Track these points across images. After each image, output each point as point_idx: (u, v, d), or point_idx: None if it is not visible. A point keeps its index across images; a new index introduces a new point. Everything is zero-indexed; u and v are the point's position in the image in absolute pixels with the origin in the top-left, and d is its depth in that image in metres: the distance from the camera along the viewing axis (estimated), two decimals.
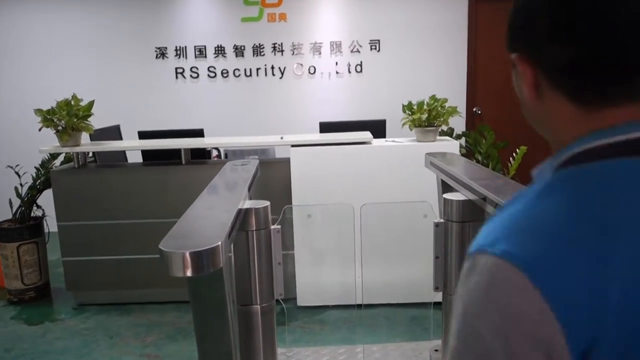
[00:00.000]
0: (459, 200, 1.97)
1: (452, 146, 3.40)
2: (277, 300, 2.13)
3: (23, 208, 3.80)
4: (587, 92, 0.62)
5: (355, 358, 2.79)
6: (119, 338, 3.24)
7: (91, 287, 3.68)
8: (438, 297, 2.45)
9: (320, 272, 3.45)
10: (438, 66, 5.41)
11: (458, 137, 3.95)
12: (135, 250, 3.59)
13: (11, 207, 3.81)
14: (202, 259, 1.29)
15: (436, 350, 2.75)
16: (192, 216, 1.58)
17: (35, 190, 3.79)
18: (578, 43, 0.60)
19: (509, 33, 0.71)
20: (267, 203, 2.00)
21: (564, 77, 0.63)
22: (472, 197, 1.93)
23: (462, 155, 3.84)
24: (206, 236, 1.37)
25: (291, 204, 3.40)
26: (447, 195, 2.01)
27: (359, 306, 3.36)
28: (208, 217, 1.57)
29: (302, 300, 3.53)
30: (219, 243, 1.32)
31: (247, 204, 1.99)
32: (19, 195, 3.76)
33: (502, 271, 0.56)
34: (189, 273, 1.28)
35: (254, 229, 1.98)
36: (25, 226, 3.75)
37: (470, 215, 1.97)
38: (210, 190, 1.98)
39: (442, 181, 2.42)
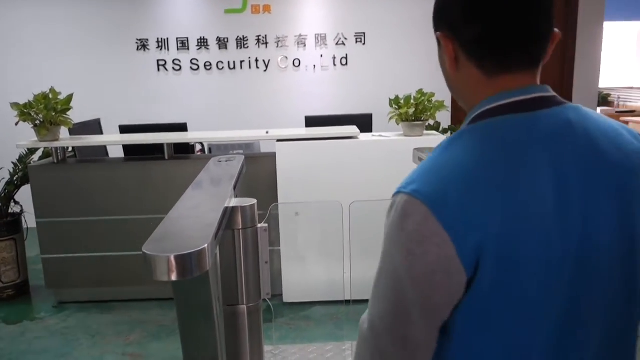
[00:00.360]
0: None
1: (438, 140, 3.35)
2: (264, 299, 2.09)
3: (0, 204, 3.69)
4: (489, 61, 0.80)
5: (342, 355, 2.76)
6: (101, 337, 3.17)
7: (72, 285, 3.60)
8: None
9: (307, 268, 3.41)
10: (424, 59, 5.37)
11: (444, 131, 3.94)
12: (116, 247, 3.52)
13: None
14: (188, 262, 1.24)
15: None
16: (176, 216, 1.52)
17: (12, 186, 3.69)
18: (482, 22, 0.77)
19: (434, 16, 0.86)
20: (254, 201, 1.95)
21: (473, 49, 0.80)
22: None
23: None
24: (191, 238, 1.32)
25: (277, 199, 3.35)
26: None
27: (347, 302, 3.34)
28: (193, 218, 1.52)
29: (288, 297, 3.49)
30: (205, 246, 1.27)
31: (233, 202, 1.93)
32: None
33: (411, 205, 0.74)
34: (174, 277, 1.23)
35: (241, 227, 1.92)
36: (3, 222, 3.64)
37: None
38: (195, 188, 1.92)
39: None
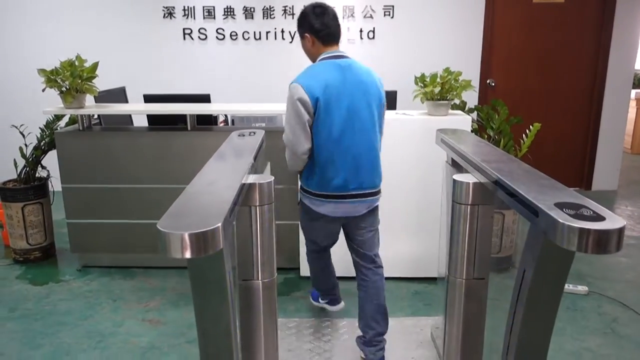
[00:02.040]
0: (469, 183, 1.91)
1: (464, 121, 3.30)
2: (279, 271, 2.12)
3: (28, 168, 3.77)
4: (324, 41, 2.39)
5: (356, 331, 2.79)
6: (122, 302, 3.25)
7: (95, 250, 3.69)
8: (442, 272, 2.42)
9: None
10: (453, 35, 5.24)
11: (470, 111, 3.85)
12: (139, 214, 3.58)
13: (16, 167, 3.79)
14: (201, 240, 1.25)
15: (437, 328, 2.75)
16: (192, 192, 1.53)
17: (39, 151, 3.76)
18: (320, 28, 2.37)
19: (298, 26, 2.47)
20: (271, 178, 1.95)
21: (319, 37, 2.38)
22: (483, 179, 1.87)
23: (474, 130, 3.76)
24: (206, 216, 1.33)
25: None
26: (457, 177, 1.95)
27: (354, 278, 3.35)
28: (209, 194, 1.52)
29: (305, 271, 3.52)
30: (219, 225, 1.28)
31: (251, 178, 1.94)
32: (23, 155, 3.73)
33: (295, 87, 2.27)
34: (187, 255, 1.24)
35: (258, 204, 1.93)
36: (30, 187, 3.73)
37: (480, 199, 1.92)
38: (213, 163, 1.93)
39: (452, 159, 2.35)
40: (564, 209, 1.34)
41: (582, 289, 3.35)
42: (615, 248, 1.25)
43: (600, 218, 1.29)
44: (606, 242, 1.23)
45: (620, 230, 1.25)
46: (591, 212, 1.33)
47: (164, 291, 3.39)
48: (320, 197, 2.37)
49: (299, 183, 2.52)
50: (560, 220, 1.27)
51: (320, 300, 2.99)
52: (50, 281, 3.54)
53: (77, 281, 3.55)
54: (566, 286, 3.35)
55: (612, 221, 1.27)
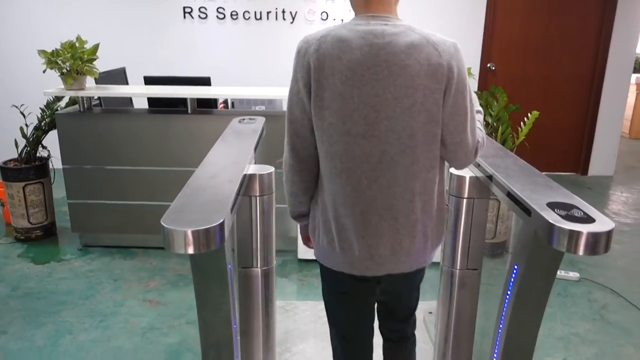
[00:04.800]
0: (464, 177, 1.95)
1: None
2: (277, 253, 2.14)
3: (28, 148, 3.80)
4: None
5: None
6: (123, 282, 3.32)
7: (96, 230, 3.74)
8: (437, 258, 2.47)
9: None
10: (454, 19, 5.22)
11: None
12: (139, 196, 3.62)
13: (17, 147, 3.81)
14: (204, 237, 1.29)
15: (430, 313, 2.82)
16: (194, 187, 1.57)
17: (40, 131, 3.78)
18: None
19: None
20: (272, 169, 1.99)
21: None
22: (479, 174, 1.91)
23: None
24: (208, 212, 1.37)
25: None
26: (453, 171, 1.99)
27: None
28: (211, 188, 1.56)
29: (302, 254, 3.58)
30: (222, 220, 1.32)
31: (252, 168, 1.97)
32: (24, 135, 3.75)
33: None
34: (190, 251, 1.29)
35: (258, 194, 1.97)
36: (31, 166, 3.76)
37: (475, 192, 1.96)
38: (214, 155, 1.96)
39: None
40: (556, 210, 1.38)
41: (573, 275, 3.43)
42: (604, 250, 1.29)
43: (591, 220, 1.33)
44: (595, 244, 1.28)
45: (609, 233, 1.29)
46: (582, 214, 1.37)
47: (164, 271, 3.45)
48: None
49: None
50: (551, 222, 1.31)
51: None
52: (52, 260, 3.60)
53: (78, 260, 3.61)
54: (557, 272, 3.42)
55: (601, 223, 1.31)
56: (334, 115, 1.41)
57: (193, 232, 1.28)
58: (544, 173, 1.71)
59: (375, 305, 1.75)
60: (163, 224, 1.29)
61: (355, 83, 1.38)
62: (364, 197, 1.45)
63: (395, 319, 1.78)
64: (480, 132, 1.54)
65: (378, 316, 1.79)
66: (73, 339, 2.71)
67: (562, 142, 5.64)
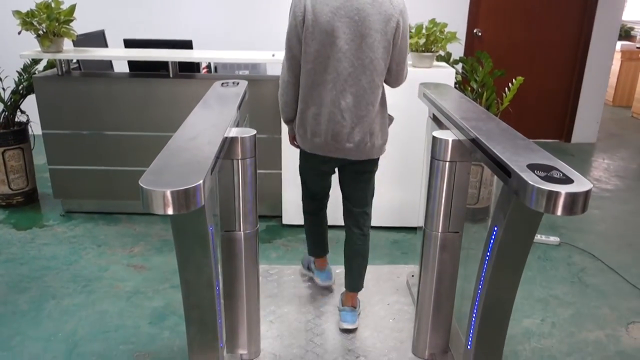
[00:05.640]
0: (447, 140, 1.95)
1: (447, 74, 3.30)
2: (261, 219, 2.17)
3: (7, 113, 3.71)
4: None
5: (336, 278, 2.89)
6: (107, 247, 3.31)
7: (78, 196, 3.70)
8: (419, 221, 2.49)
9: None
10: None
11: (455, 62, 3.84)
12: (121, 161, 3.58)
13: None
14: (183, 197, 1.28)
15: (413, 276, 2.86)
16: (174, 148, 1.55)
17: (18, 96, 3.69)
18: None
19: None
20: (253, 132, 1.97)
21: None
22: (461, 137, 1.91)
23: (458, 82, 3.76)
24: (187, 173, 1.35)
25: (280, 122, 3.35)
26: (436, 134, 1.98)
27: (340, 227, 3.44)
28: (191, 150, 1.54)
29: (287, 219, 3.59)
30: (200, 182, 1.31)
31: (234, 132, 1.95)
32: (1, 99, 3.67)
33: None
34: (170, 211, 1.28)
35: (240, 157, 1.96)
36: (10, 132, 3.69)
37: (458, 156, 1.96)
38: (195, 117, 1.93)
39: (434, 115, 2.38)
40: (535, 171, 1.39)
41: (554, 239, 3.49)
42: (581, 210, 1.31)
43: (569, 181, 1.34)
44: (572, 204, 1.29)
45: (587, 193, 1.30)
46: (561, 175, 1.38)
47: (148, 237, 3.44)
48: None
49: None
50: (531, 183, 1.32)
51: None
52: (34, 226, 3.57)
53: (61, 226, 3.58)
54: (538, 237, 3.48)
55: (579, 184, 1.32)
56: (319, 44, 2.05)
57: (172, 193, 1.27)
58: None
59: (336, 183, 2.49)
60: (141, 184, 1.28)
61: (335, 22, 2.02)
62: (335, 102, 2.12)
63: (351, 203, 2.43)
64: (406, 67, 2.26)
65: (343, 204, 2.48)
66: (57, 304, 2.71)
67: (547, 109, 5.66)
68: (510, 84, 3.57)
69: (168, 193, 1.26)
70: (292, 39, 2.09)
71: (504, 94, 3.58)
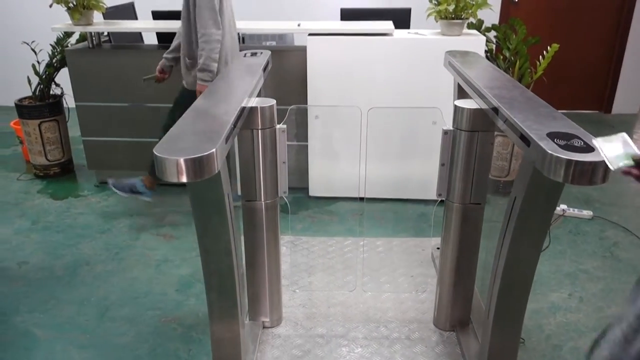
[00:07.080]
0: (469, 109, 1.90)
1: (478, 42, 3.21)
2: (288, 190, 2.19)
3: (42, 86, 3.82)
4: None
5: (359, 250, 2.90)
6: (138, 217, 3.40)
7: (111, 167, 3.80)
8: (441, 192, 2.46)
9: (331, 165, 3.48)
10: None
11: (487, 30, 3.71)
12: (152, 133, 3.63)
13: (30, 84, 3.83)
14: (197, 165, 1.30)
15: (437, 249, 2.84)
16: (191, 116, 1.56)
17: (52, 69, 3.78)
18: None
19: None
20: (273, 102, 1.96)
21: None
22: (483, 106, 1.86)
23: (490, 51, 3.65)
24: (202, 141, 1.37)
25: (307, 94, 3.34)
26: (458, 102, 1.93)
27: (361, 199, 3.44)
28: (207, 119, 1.55)
29: (313, 191, 3.61)
30: (214, 150, 1.32)
31: (253, 102, 1.95)
32: (37, 72, 3.77)
33: None
34: (183, 179, 1.30)
35: (259, 127, 1.96)
36: (45, 104, 3.80)
37: (480, 125, 1.91)
38: (215, 86, 1.94)
39: (459, 85, 2.32)
40: (555, 140, 1.34)
41: (587, 213, 3.39)
42: (601, 180, 1.26)
43: (590, 149, 1.29)
44: (591, 173, 1.24)
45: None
46: (582, 143, 1.33)
47: (177, 207, 3.52)
48: None
49: None
50: (549, 151, 1.28)
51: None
52: (70, 196, 3.70)
53: (95, 196, 3.70)
54: (570, 210, 3.39)
55: (599, 153, 1.27)
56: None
57: (186, 161, 1.28)
58: (564, 111, 1.66)
59: None
60: (155, 152, 1.30)
61: None
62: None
63: None
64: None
65: None
66: (90, 270, 2.82)
67: (586, 78, 5.44)
68: (545, 52, 3.44)
69: (182, 161, 1.28)
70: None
71: (538, 63, 3.45)
